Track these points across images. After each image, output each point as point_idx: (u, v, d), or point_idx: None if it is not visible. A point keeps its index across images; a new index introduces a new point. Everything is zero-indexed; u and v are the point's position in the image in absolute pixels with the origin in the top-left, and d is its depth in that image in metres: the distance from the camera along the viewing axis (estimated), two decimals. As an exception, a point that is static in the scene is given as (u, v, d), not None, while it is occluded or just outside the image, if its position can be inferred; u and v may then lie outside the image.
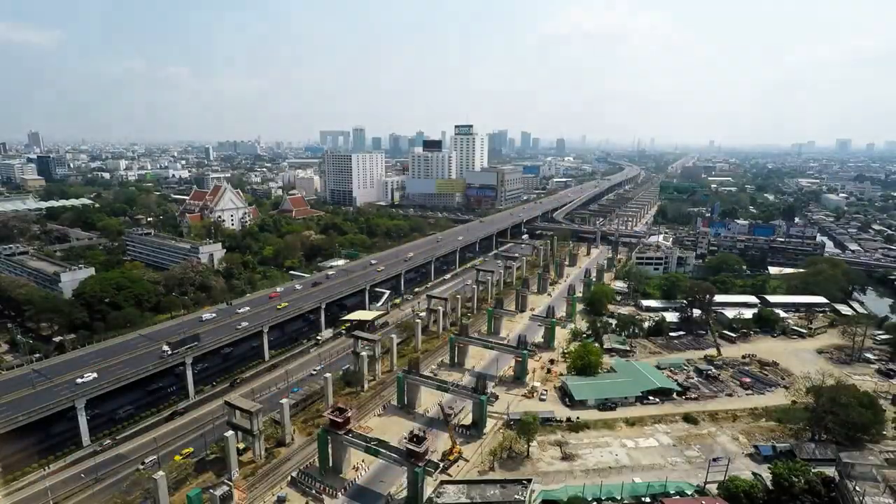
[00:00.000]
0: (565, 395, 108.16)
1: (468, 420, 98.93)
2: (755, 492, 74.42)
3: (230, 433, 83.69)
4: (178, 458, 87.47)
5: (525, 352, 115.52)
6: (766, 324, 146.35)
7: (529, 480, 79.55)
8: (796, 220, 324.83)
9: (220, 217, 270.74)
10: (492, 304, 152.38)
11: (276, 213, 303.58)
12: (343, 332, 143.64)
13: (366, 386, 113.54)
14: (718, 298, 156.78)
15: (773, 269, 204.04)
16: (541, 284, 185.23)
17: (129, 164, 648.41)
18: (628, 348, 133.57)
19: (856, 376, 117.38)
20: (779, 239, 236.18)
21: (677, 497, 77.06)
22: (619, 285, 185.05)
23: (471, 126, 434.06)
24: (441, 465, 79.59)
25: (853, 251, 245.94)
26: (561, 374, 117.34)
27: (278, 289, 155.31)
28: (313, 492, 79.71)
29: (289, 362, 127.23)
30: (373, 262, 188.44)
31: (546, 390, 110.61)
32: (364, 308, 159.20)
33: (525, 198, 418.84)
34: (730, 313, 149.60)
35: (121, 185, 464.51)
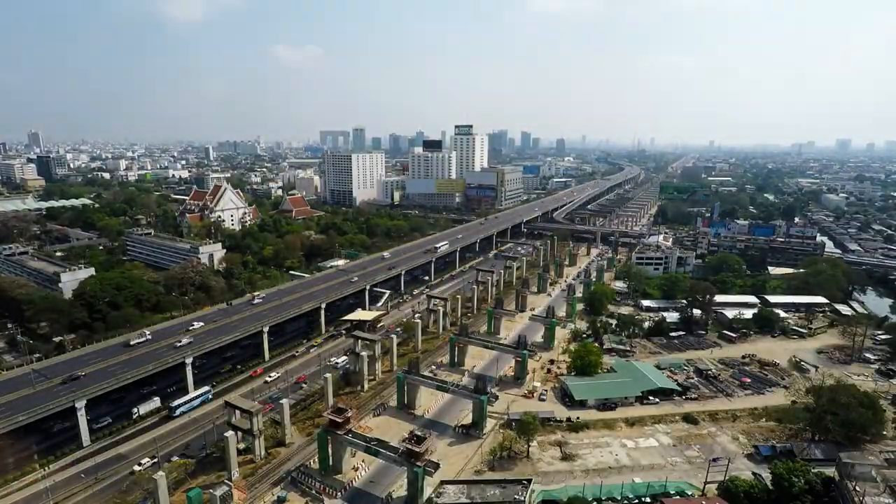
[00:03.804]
0: (565, 395, 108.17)
1: (468, 420, 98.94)
2: (755, 492, 74.40)
3: (230, 433, 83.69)
4: None
5: (525, 352, 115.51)
6: (766, 324, 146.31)
7: (529, 480, 79.70)
8: (796, 220, 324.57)
9: (220, 217, 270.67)
10: (492, 304, 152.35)
11: (276, 213, 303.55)
12: (343, 332, 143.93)
13: (365, 386, 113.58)
14: (718, 298, 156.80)
15: (773, 269, 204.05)
16: (541, 284, 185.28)
17: (129, 164, 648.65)
18: (628, 348, 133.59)
19: (855, 376, 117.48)
20: (779, 239, 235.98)
21: (677, 497, 77.05)
22: (619, 285, 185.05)
23: (471, 126, 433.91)
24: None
25: (853, 251, 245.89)
26: (561, 374, 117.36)
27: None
28: (313, 492, 79.77)
29: (289, 362, 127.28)
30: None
31: (546, 390, 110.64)
32: (364, 308, 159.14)
33: (525, 198, 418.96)
34: (730, 313, 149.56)
35: (121, 185, 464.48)
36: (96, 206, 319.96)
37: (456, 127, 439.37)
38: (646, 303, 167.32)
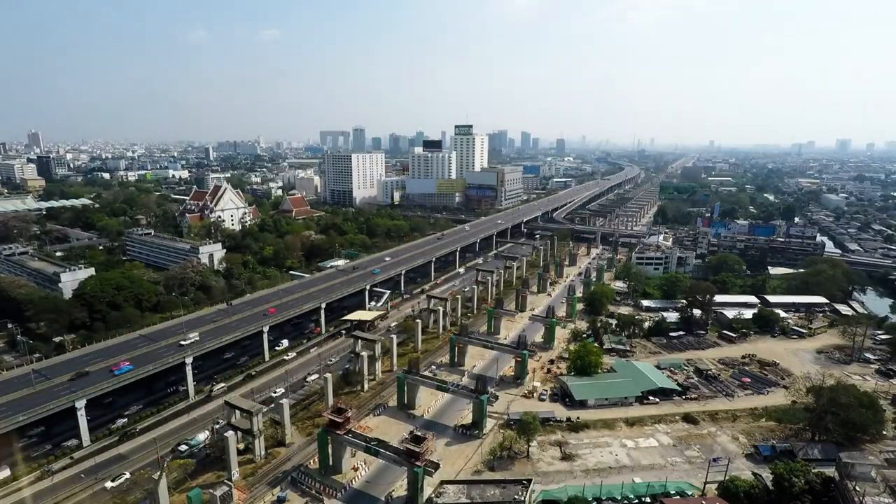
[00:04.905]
0: (565, 395, 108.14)
1: (468, 420, 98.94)
2: (755, 492, 74.40)
3: (230, 433, 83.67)
4: None
5: (525, 352, 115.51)
6: (766, 324, 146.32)
7: (529, 480, 79.66)
8: (796, 220, 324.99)
9: (219, 217, 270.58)
10: (492, 304, 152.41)
11: (276, 213, 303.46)
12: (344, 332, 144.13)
13: (366, 386, 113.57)
14: (718, 298, 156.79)
15: (772, 269, 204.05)
16: (541, 284, 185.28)
17: (129, 164, 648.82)
18: (628, 348, 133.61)
19: (856, 376, 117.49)
20: (779, 239, 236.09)
21: (677, 497, 77.05)
22: (619, 285, 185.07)
23: (471, 126, 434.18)
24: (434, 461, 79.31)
25: (853, 251, 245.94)
26: (561, 374, 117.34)
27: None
28: (313, 492, 79.77)
29: (288, 362, 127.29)
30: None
31: (546, 390, 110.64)
32: (364, 308, 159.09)
33: (525, 198, 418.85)
34: (730, 313, 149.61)
35: (121, 185, 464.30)
36: (96, 206, 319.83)
37: (456, 127, 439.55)
38: (646, 303, 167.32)
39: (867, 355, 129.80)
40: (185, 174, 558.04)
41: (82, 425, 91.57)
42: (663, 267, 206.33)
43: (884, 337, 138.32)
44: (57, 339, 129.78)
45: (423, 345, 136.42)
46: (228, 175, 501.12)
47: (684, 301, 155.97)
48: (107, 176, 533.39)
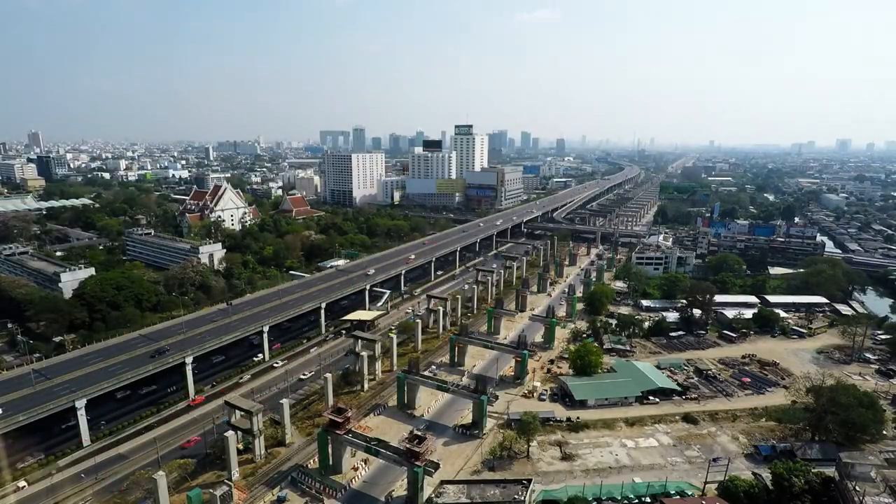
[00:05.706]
0: (565, 395, 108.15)
1: (468, 420, 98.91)
2: (755, 492, 74.39)
3: (230, 433, 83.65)
4: None
5: (525, 352, 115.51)
6: (766, 324, 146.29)
7: (529, 480, 79.69)
8: (796, 219, 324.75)
9: (220, 217, 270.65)
10: (492, 304, 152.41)
11: (276, 213, 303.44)
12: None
13: (365, 386, 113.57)
14: (718, 298, 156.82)
15: (772, 269, 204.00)
16: (541, 284, 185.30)
17: (129, 164, 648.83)
18: (628, 348, 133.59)
19: (855, 376, 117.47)
20: (779, 239, 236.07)
21: (677, 497, 77.03)
22: (619, 285, 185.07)
23: (471, 126, 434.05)
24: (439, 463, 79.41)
25: (853, 251, 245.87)
26: (561, 374, 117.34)
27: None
28: (313, 492, 79.76)
29: (288, 362, 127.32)
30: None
31: (546, 390, 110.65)
32: (364, 308, 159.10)
33: (525, 197, 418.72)
34: (730, 313, 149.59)
35: (121, 185, 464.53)
36: (96, 206, 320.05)
37: (456, 127, 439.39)
38: (646, 303, 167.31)
39: (867, 355, 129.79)
40: (185, 174, 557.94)
41: (82, 425, 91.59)
42: (663, 267, 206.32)
43: (884, 337, 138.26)
44: (57, 339, 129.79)
45: (423, 345, 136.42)
46: (228, 175, 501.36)
47: (684, 301, 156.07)
48: (107, 176, 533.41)
